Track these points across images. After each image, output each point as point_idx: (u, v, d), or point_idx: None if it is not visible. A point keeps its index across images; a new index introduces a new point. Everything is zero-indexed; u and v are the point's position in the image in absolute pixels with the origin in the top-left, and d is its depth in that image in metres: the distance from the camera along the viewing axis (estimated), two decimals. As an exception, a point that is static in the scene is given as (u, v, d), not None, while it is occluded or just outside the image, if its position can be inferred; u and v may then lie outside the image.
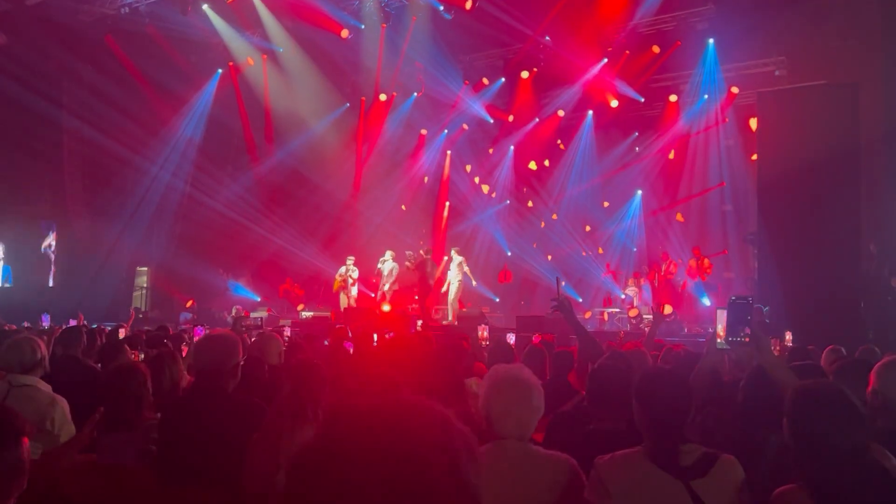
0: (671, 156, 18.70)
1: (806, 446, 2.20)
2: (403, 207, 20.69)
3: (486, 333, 8.67)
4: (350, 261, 16.50)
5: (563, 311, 4.74)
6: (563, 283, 4.84)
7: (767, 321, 11.15)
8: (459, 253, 16.35)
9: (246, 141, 19.62)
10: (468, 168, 21.17)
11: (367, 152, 20.33)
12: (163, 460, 3.39)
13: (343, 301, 16.34)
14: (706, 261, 15.97)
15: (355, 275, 16.44)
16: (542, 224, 20.51)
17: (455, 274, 15.96)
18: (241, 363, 3.68)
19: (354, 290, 16.49)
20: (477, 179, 21.14)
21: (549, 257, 20.07)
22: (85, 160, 17.57)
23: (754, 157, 14.34)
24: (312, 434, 0.97)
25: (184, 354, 5.95)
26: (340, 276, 16.51)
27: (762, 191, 13.15)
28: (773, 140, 12.62)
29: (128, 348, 5.25)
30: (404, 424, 0.92)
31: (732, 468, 2.35)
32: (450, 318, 16.02)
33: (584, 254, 19.39)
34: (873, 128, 12.67)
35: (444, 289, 16.17)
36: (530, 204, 21.00)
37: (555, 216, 20.35)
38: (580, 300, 18.43)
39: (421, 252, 15.81)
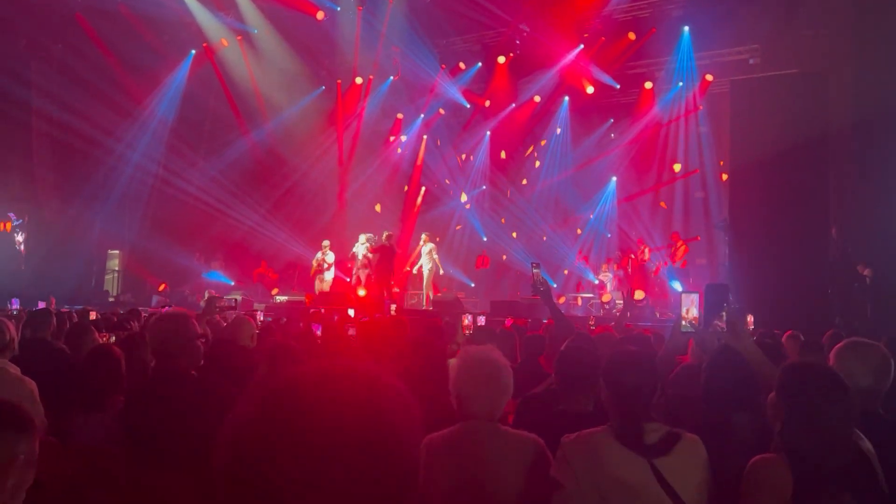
0: (649, 142, 18.82)
1: (796, 422, 2.27)
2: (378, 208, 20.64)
3: (468, 321, 8.67)
4: (325, 245, 16.42)
5: (542, 296, 4.81)
6: (539, 269, 4.80)
7: (735, 306, 11.29)
8: (430, 239, 16.31)
9: (220, 123, 19.40)
10: (445, 162, 21.16)
11: (352, 138, 20.18)
12: (129, 444, 3.38)
13: (318, 285, 16.28)
14: (683, 247, 16.13)
15: (331, 259, 16.38)
16: (502, 220, 20.52)
17: (426, 260, 15.97)
18: (202, 339, 3.64)
19: (330, 275, 16.42)
20: (455, 182, 21.13)
21: (515, 234, 20.16)
22: (55, 142, 17.26)
23: (723, 170, 14.53)
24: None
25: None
26: (317, 260, 16.44)
27: (733, 178, 13.31)
28: (744, 128, 12.75)
29: (95, 331, 5.20)
30: (330, 388, 0.91)
31: (695, 447, 2.40)
32: (424, 303, 16.07)
33: (567, 253, 19.47)
34: (843, 116, 12.85)
35: (415, 271, 16.22)
36: (504, 220, 20.98)
37: (528, 195, 20.45)
38: (554, 285, 18.55)
39: (382, 237, 15.70)
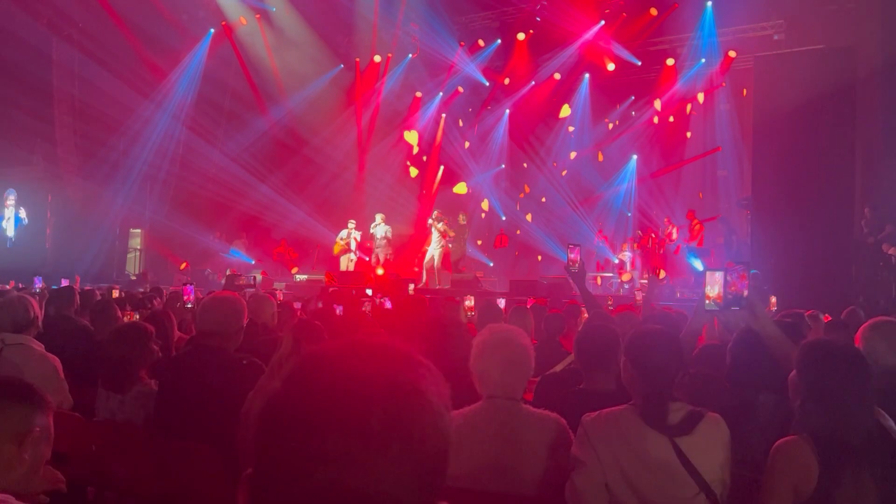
0: (671, 119, 18.59)
1: (815, 398, 2.27)
2: (415, 148, 20.60)
3: (471, 303, 8.50)
4: (351, 224, 16.46)
5: (574, 278, 4.78)
6: (576, 250, 4.70)
7: (766, 288, 11.20)
8: (439, 218, 16.11)
9: (239, 102, 19.41)
10: (465, 141, 21.01)
11: (370, 117, 20.13)
12: (161, 416, 3.42)
13: (346, 264, 16.36)
14: (699, 226, 15.97)
15: (358, 237, 16.44)
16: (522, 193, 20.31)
17: (437, 240, 15.73)
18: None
19: (355, 255, 16.49)
20: (467, 144, 20.97)
21: (543, 199, 20.01)
22: (76, 120, 17.38)
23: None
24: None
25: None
26: (342, 239, 16.48)
27: (757, 155, 13.14)
28: (769, 105, 12.56)
29: (118, 308, 5.25)
30: (365, 363, 0.90)
31: (717, 426, 2.38)
32: (424, 280, 15.89)
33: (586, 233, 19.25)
34: (870, 92, 12.60)
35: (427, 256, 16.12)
36: (526, 190, 20.76)
37: (564, 172, 20.18)
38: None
39: (459, 219, 15.96)
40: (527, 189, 20.49)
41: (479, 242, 16.54)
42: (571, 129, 19.84)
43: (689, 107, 18.20)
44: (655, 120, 18.73)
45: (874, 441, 2.18)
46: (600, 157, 19.59)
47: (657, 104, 18.29)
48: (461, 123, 21.05)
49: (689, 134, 18.51)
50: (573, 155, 19.92)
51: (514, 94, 19.98)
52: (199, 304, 4.18)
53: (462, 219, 16.00)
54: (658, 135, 19.01)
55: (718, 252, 16.19)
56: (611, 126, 19.75)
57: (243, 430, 3.03)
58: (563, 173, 20.02)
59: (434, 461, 0.89)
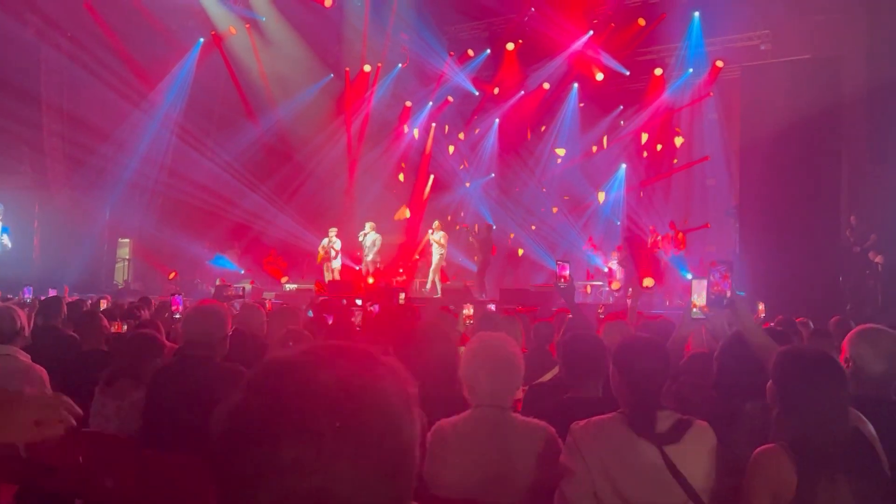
0: (659, 147, 18.74)
1: (790, 406, 2.28)
2: (402, 177, 20.64)
3: (471, 311, 8.51)
4: (332, 233, 16.41)
5: (562, 293, 4.80)
6: (564, 266, 4.69)
7: (741, 293, 11.23)
8: (440, 227, 16.31)
9: (229, 111, 19.38)
10: (451, 149, 21.05)
11: (360, 126, 20.14)
12: (149, 427, 3.40)
13: (327, 274, 16.31)
14: (680, 234, 16.04)
15: (338, 246, 16.39)
16: (533, 227, 20.34)
17: (436, 248, 15.96)
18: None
19: (337, 263, 16.43)
20: (461, 167, 21.05)
21: (533, 227, 20.03)
22: (65, 130, 17.28)
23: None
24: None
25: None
26: (323, 248, 16.45)
27: (744, 164, 13.24)
28: (756, 114, 12.67)
29: (105, 318, 5.22)
30: (320, 367, 0.88)
31: (705, 434, 2.39)
32: (427, 287, 16.08)
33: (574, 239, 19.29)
34: (856, 101, 12.72)
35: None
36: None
37: (544, 188, 20.27)
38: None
39: (477, 228, 16.17)
40: (511, 236, 20.40)
41: (453, 261, 16.71)
42: (560, 160, 19.93)
43: (679, 140, 18.32)
44: (644, 154, 18.89)
45: (851, 447, 2.19)
46: (601, 198, 19.60)
47: (643, 138, 18.46)
48: (453, 146, 21.07)
49: (675, 161, 18.66)
50: (567, 198, 20.03)
51: (504, 103, 20.04)
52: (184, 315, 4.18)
53: (476, 228, 16.32)
54: (647, 144, 19.11)
55: (707, 260, 16.23)
56: (595, 150, 19.86)
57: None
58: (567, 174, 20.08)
59: (397, 461, 0.88)
